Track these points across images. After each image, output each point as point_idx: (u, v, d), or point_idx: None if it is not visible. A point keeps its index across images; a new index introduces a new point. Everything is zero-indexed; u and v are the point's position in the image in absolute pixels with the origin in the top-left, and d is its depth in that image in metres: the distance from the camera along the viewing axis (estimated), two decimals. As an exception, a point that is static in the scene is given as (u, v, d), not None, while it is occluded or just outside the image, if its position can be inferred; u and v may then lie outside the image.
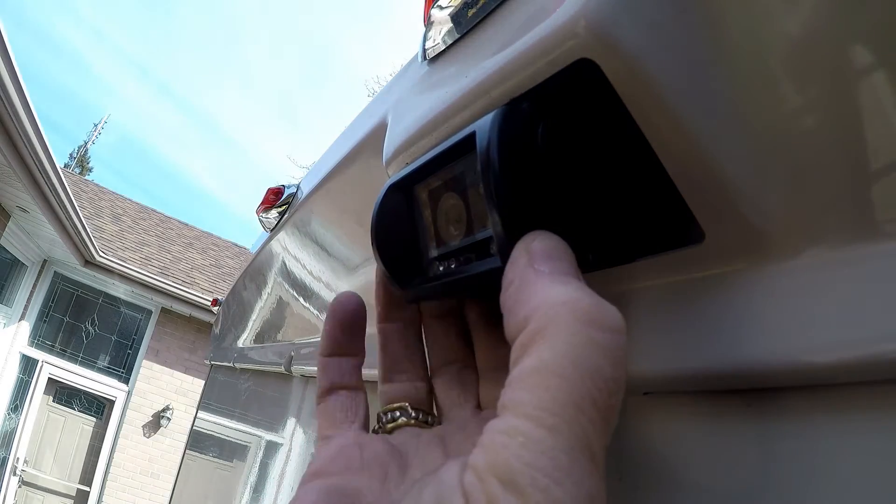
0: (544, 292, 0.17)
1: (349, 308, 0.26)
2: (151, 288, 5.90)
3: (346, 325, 0.26)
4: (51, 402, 5.76)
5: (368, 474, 0.21)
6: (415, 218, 0.27)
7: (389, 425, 0.25)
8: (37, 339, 5.75)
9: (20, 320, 5.54)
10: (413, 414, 0.25)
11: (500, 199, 0.19)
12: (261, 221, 0.86)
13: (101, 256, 5.51)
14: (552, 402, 0.15)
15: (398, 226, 0.26)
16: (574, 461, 0.14)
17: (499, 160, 0.19)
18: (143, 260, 6.20)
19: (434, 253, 0.26)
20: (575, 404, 0.14)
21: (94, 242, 5.31)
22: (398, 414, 0.25)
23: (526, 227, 0.19)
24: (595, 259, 0.22)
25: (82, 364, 5.96)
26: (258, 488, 0.98)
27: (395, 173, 0.28)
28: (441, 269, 0.25)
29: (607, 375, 0.15)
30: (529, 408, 0.15)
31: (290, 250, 0.82)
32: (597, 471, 0.14)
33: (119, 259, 5.77)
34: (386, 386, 0.27)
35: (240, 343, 1.33)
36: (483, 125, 0.20)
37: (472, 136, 0.21)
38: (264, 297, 1.09)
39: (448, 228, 0.25)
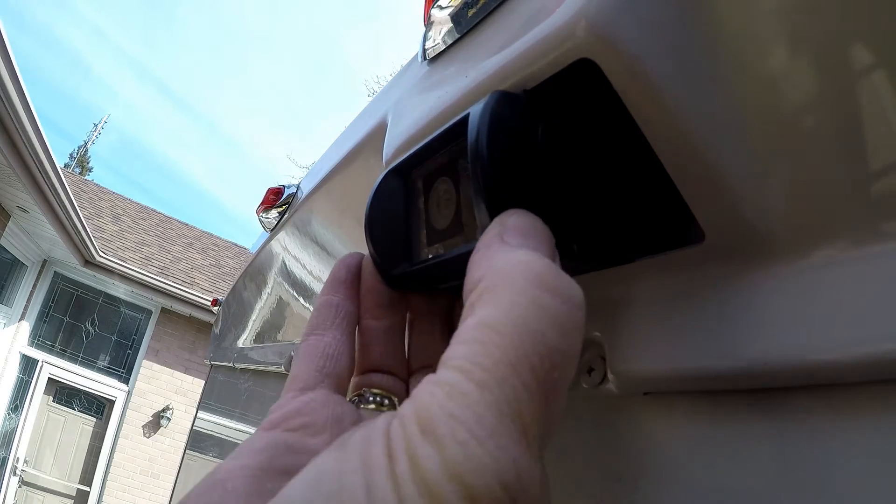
0: (503, 255, 0.16)
1: (355, 259, 0.26)
2: (151, 288, 5.90)
3: (353, 270, 0.26)
4: (51, 402, 5.76)
5: (325, 439, 0.20)
6: (410, 204, 0.26)
7: (362, 406, 0.24)
8: (37, 339, 5.75)
9: (20, 320, 5.54)
10: (386, 402, 0.25)
11: (486, 180, 0.19)
12: (261, 221, 0.86)
13: (101, 256, 5.51)
14: (485, 358, 0.14)
15: (392, 212, 0.26)
16: (501, 424, 0.13)
17: (487, 141, 0.19)
18: (143, 260, 6.20)
19: (424, 238, 0.25)
20: (510, 364, 0.14)
21: (94, 242, 5.31)
22: (370, 398, 0.25)
23: (509, 208, 0.19)
24: (580, 249, 0.22)
25: (82, 364, 5.96)
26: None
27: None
28: (430, 255, 0.25)
29: (551, 344, 0.14)
30: (462, 360, 0.14)
31: (290, 250, 0.82)
32: (527, 446, 0.13)
33: (119, 259, 5.77)
34: (361, 377, 0.26)
35: (240, 343, 1.33)
36: (476, 108, 0.20)
37: (467, 118, 0.21)
38: (264, 297, 1.09)
39: (439, 214, 0.24)
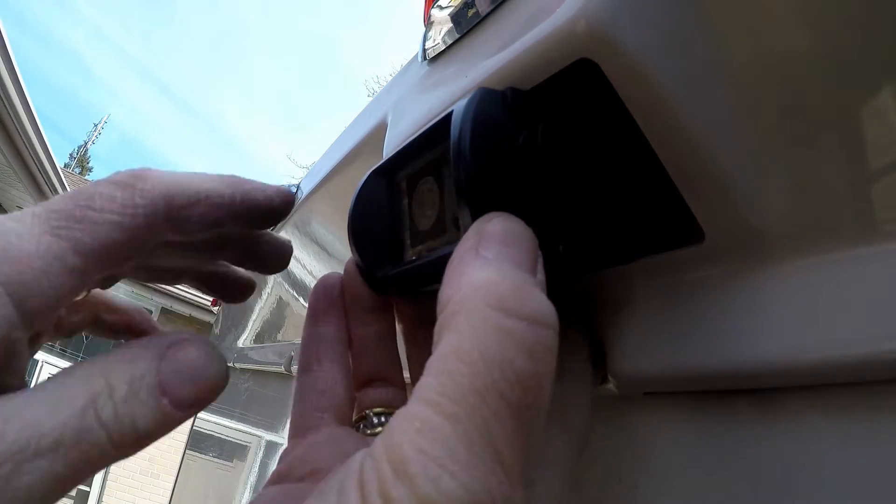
0: (470, 275, 0.16)
1: (332, 280, 0.26)
2: (151, 288, 5.90)
3: (329, 292, 0.25)
4: (51, 402, 5.76)
5: None
6: (394, 206, 0.26)
7: (368, 431, 0.24)
8: (37, 339, 5.75)
9: (20, 320, 5.54)
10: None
11: (468, 179, 0.18)
12: (261, 221, 0.86)
13: (101, 256, 5.50)
14: (454, 389, 0.14)
15: (376, 214, 0.26)
16: (474, 456, 0.13)
17: (470, 139, 0.19)
18: (143, 260, 6.20)
19: (408, 240, 0.25)
20: (477, 393, 0.13)
21: (94, 242, 5.30)
22: (374, 420, 0.24)
23: (492, 209, 0.18)
24: (566, 251, 0.21)
25: (82, 364, 5.96)
26: (258, 488, 0.98)
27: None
28: (413, 257, 0.24)
29: (520, 368, 0.14)
30: (431, 393, 0.14)
31: (290, 250, 0.82)
32: (504, 473, 0.13)
33: (119, 259, 5.76)
34: (361, 392, 0.25)
35: (240, 343, 1.33)
36: (459, 105, 0.20)
37: (450, 116, 0.20)
38: (264, 297, 1.09)
39: (422, 215, 0.24)
